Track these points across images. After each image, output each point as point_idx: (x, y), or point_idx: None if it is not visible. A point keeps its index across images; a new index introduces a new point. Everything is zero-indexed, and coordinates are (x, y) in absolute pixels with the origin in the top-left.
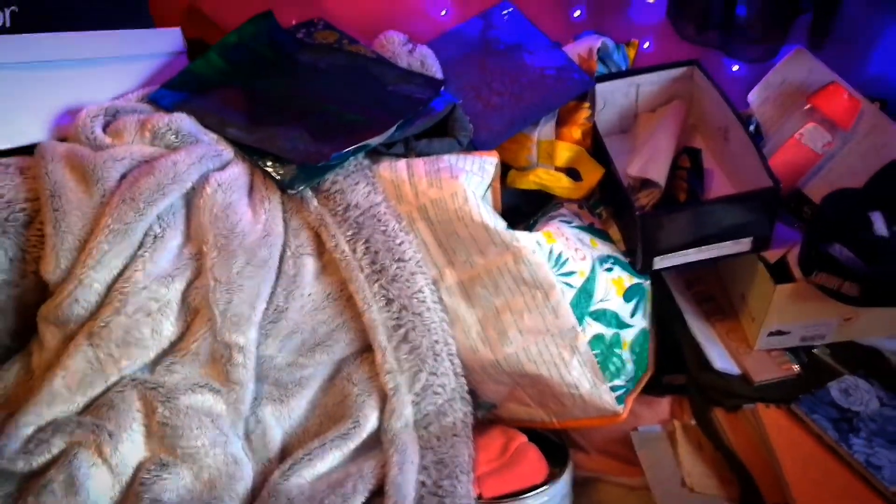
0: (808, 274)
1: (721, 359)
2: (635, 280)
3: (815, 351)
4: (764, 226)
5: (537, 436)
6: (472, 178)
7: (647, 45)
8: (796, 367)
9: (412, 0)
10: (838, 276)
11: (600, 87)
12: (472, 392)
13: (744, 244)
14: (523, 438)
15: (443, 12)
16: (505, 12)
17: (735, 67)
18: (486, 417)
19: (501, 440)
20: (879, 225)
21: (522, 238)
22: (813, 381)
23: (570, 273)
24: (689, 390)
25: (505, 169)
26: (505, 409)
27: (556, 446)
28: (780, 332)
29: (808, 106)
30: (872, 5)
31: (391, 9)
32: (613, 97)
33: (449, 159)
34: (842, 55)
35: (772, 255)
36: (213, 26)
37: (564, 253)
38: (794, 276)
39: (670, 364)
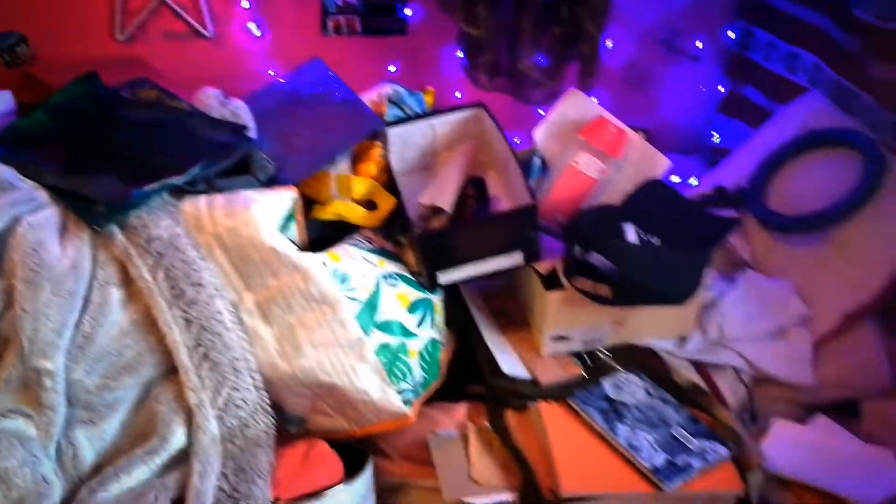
0: (569, 280)
1: (510, 365)
2: (421, 295)
3: (598, 353)
4: (531, 240)
5: (343, 446)
6: (266, 209)
7: (458, 94)
8: (580, 369)
9: (244, 62)
10: (594, 279)
11: (401, 129)
12: (279, 407)
13: (516, 258)
14: (324, 446)
15: (270, 72)
16: (330, 72)
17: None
18: (298, 432)
19: (303, 448)
20: (631, 234)
21: (309, 259)
22: (596, 381)
23: (354, 288)
24: (486, 397)
25: (313, 204)
26: (313, 422)
27: (358, 453)
28: (562, 338)
29: (580, 139)
30: (653, 57)
31: (226, 70)
32: (413, 138)
33: (246, 194)
34: (629, 96)
35: (544, 266)
36: (47, 90)
37: (350, 271)
38: (564, 285)
39: (472, 374)
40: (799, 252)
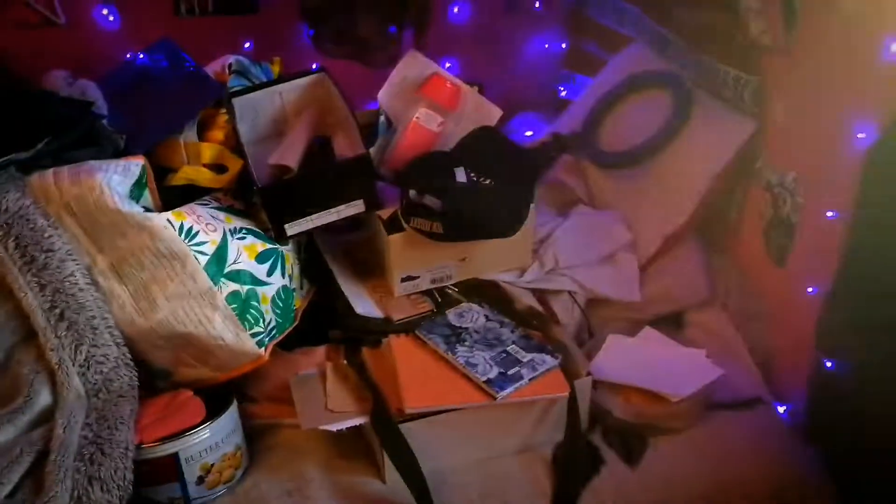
0: (408, 221)
1: (363, 305)
2: (269, 246)
3: (447, 290)
4: (369, 187)
5: (210, 393)
6: (111, 176)
7: (314, 65)
8: (430, 305)
9: (100, 46)
10: (429, 219)
11: (248, 98)
12: (145, 363)
13: (358, 205)
14: (189, 393)
15: (127, 55)
16: (177, 48)
17: None
18: (167, 386)
19: (169, 398)
20: (461, 176)
21: (154, 218)
22: (442, 313)
23: (202, 243)
24: (344, 338)
25: (168, 172)
26: (179, 374)
27: (223, 397)
28: (411, 278)
29: (420, 96)
30: (497, 20)
31: (82, 55)
32: (263, 106)
33: (92, 163)
34: (479, 59)
35: (386, 212)
36: None
37: (195, 227)
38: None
39: (334, 321)
40: (625, 185)
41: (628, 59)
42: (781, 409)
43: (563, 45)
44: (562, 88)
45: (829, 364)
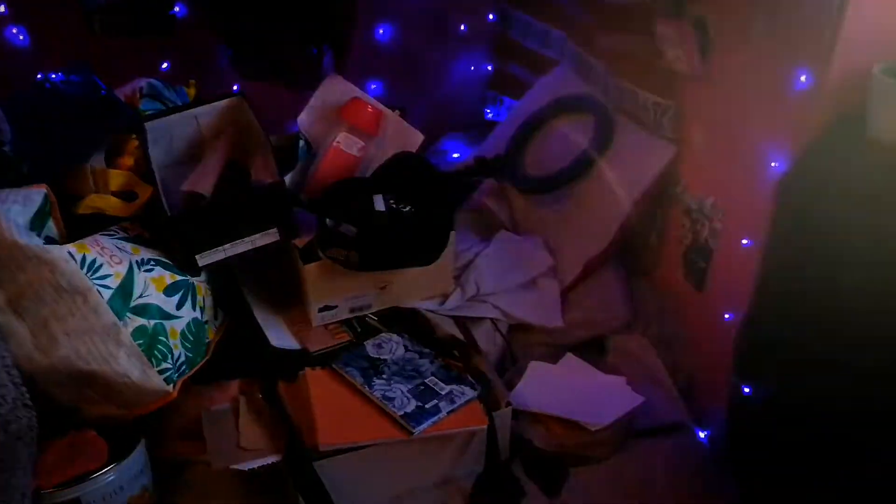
0: (323, 251)
1: (278, 338)
2: (178, 277)
3: (367, 319)
4: (284, 216)
5: (117, 431)
6: (10, 206)
7: (235, 87)
8: (348, 335)
9: (9, 67)
10: (344, 248)
11: (162, 122)
12: (49, 400)
13: (272, 234)
14: (92, 433)
15: (39, 75)
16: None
17: None
18: (73, 423)
19: (72, 438)
20: (379, 204)
21: (54, 250)
22: (361, 344)
23: (106, 276)
24: (259, 370)
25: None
26: (85, 412)
27: (130, 437)
28: (328, 307)
29: (340, 120)
30: (424, 42)
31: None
32: (178, 130)
33: None
34: (405, 81)
35: (303, 241)
36: None
37: (98, 259)
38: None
39: (250, 352)
40: (547, 210)
41: (553, 81)
42: (702, 435)
43: (489, 68)
44: (488, 110)
45: (746, 390)
